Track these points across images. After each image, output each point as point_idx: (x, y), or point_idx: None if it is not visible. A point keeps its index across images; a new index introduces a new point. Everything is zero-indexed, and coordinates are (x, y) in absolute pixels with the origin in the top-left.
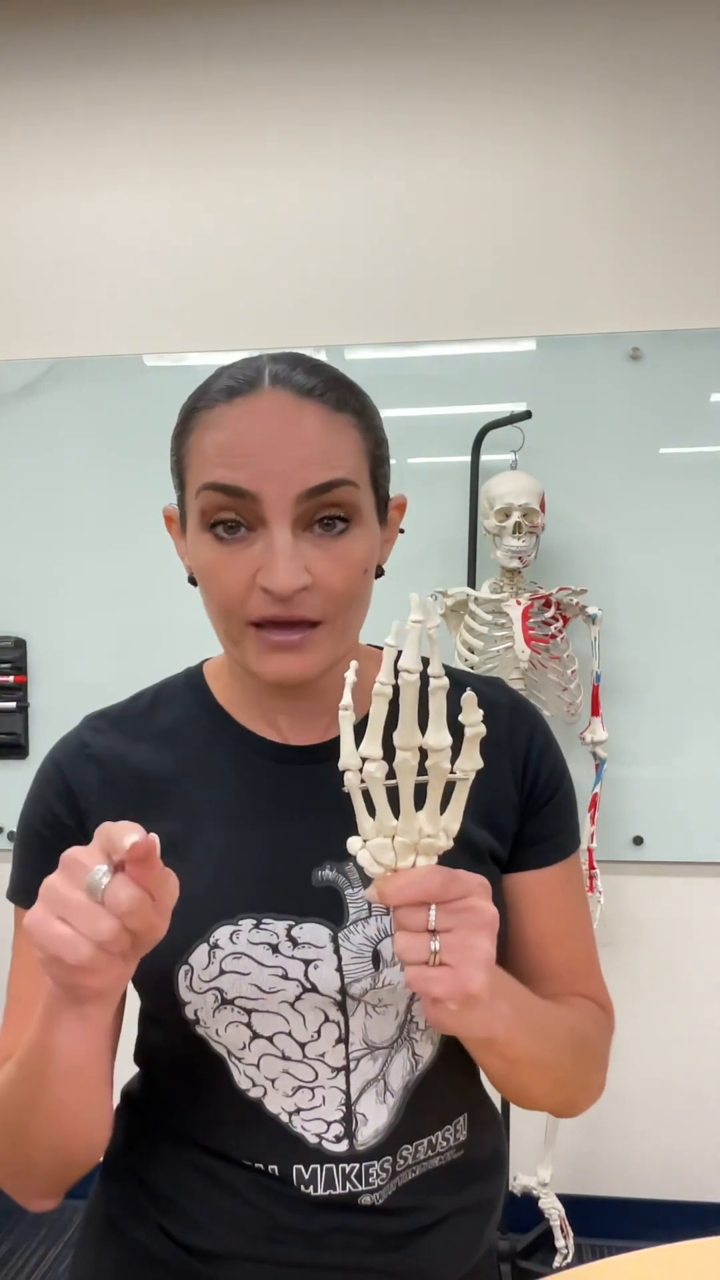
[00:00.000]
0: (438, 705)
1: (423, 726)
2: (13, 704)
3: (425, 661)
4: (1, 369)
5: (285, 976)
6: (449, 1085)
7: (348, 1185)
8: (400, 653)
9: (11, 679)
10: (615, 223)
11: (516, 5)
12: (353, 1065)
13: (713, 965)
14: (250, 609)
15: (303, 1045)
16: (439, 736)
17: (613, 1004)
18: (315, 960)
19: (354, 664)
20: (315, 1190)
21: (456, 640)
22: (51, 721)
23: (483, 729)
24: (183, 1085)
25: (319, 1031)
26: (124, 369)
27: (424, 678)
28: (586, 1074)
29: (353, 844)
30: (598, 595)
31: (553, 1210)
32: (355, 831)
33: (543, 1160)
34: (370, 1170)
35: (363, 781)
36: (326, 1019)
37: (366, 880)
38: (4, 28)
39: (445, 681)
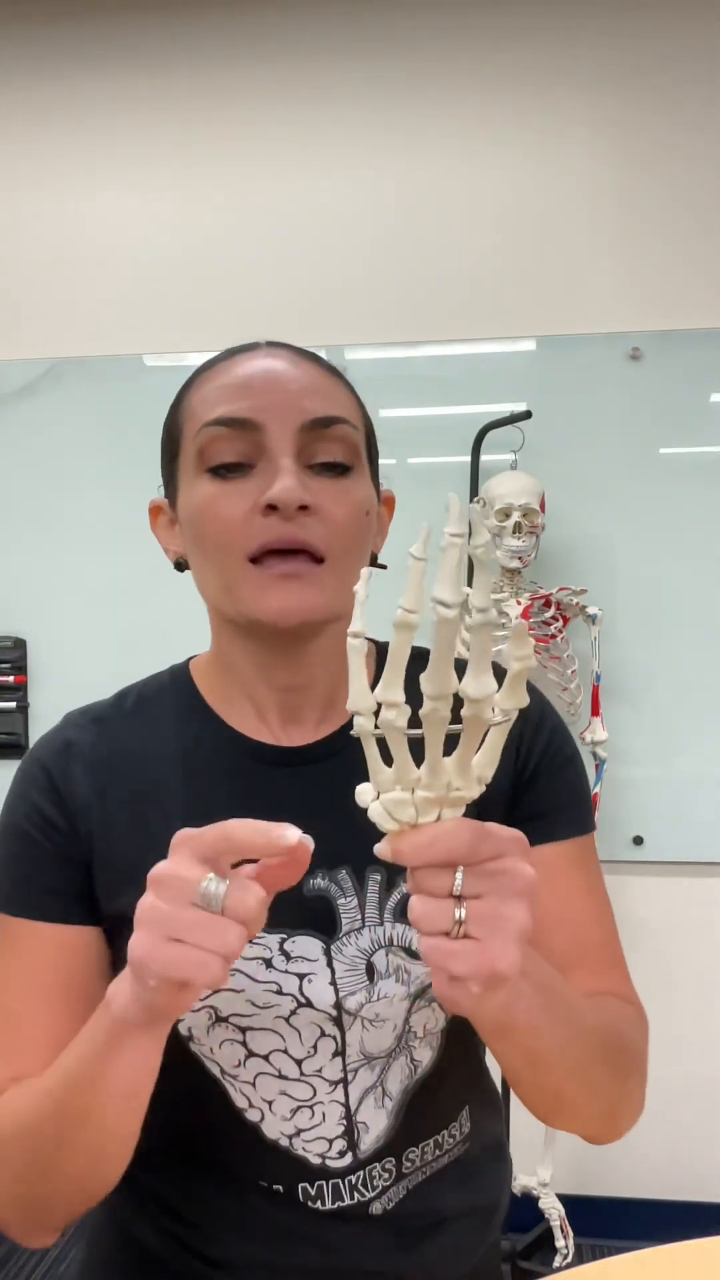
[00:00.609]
0: (481, 645)
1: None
2: (13, 704)
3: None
4: (1, 369)
5: (279, 992)
6: (449, 1084)
7: (355, 1195)
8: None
9: (11, 679)
10: (615, 223)
11: (516, 6)
12: (350, 1077)
13: (713, 965)
14: (251, 536)
15: (299, 1062)
16: (482, 683)
17: (643, 1005)
18: (309, 974)
19: (367, 571)
20: (324, 1205)
21: (459, 588)
22: (51, 721)
23: (533, 662)
24: (181, 1106)
25: (315, 1047)
26: (124, 369)
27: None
28: (624, 1080)
29: (363, 793)
30: (598, 595)
31: (553, 1210)
32: (348, 832)
33: (543, 1160)
34: (374, 1174)
35: (377, 728)
36: (322, 1034)
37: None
38: (4, 28)
39: (493, 615)
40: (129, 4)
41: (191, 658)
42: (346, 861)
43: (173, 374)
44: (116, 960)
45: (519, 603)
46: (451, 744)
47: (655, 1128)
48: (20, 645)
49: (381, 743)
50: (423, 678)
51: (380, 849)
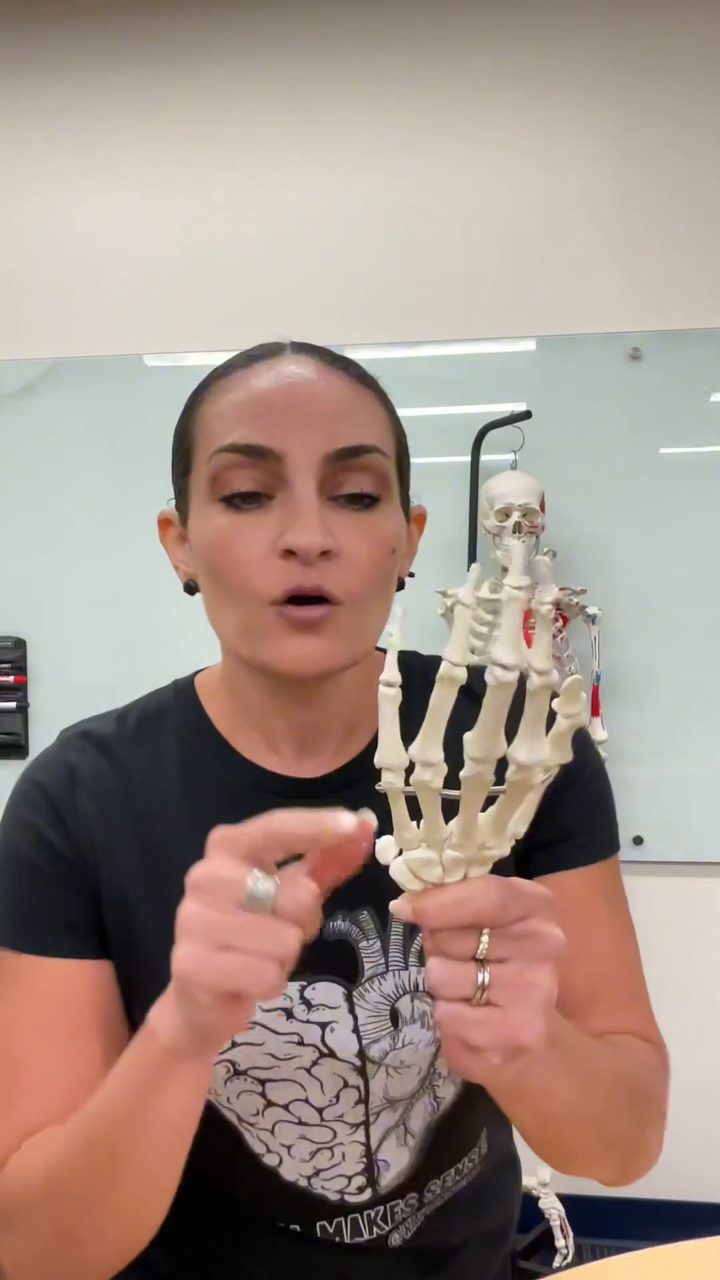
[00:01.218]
0: (537, 709)
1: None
2: (13, 704)
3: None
4: (1, 369)
5: (301, 1043)
6: (472, 1114)
7: (374, 1230)
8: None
9: (11, 679)
10: (615, 223)
11: (517, 6)
12: (372, 1119)
13: (713, 965)
14: (270, 582)
15: (320, 1110)
16: (534, 749)
17: (665, 1042)
18: (331, 1023)
19: (400, 610)
20: (344, 1239)
21: (520, 650)
22: (51, 721)
23: (583, 720)
24: (195, 1149)
25: (337, 1096)
26: (124, 369)
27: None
28: (642, 1129)
29: (385, 850)
30: (598, 595)
31: (553, 1210)
32: (369, 870)
33: (543, 1160)
34: (396, 1209)
35: (407, 784)
36: (345, 1084)
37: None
38: (4, 28)
39: (554, 678)
40: (129, 4)
41: (197, 672)
42: (369, 902)
43: (173, 374)
44: (131, 999)
45: None
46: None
47: None
48: (20, 645)
49: (409, 798)
50: (467, 738)
51: (399, 908)
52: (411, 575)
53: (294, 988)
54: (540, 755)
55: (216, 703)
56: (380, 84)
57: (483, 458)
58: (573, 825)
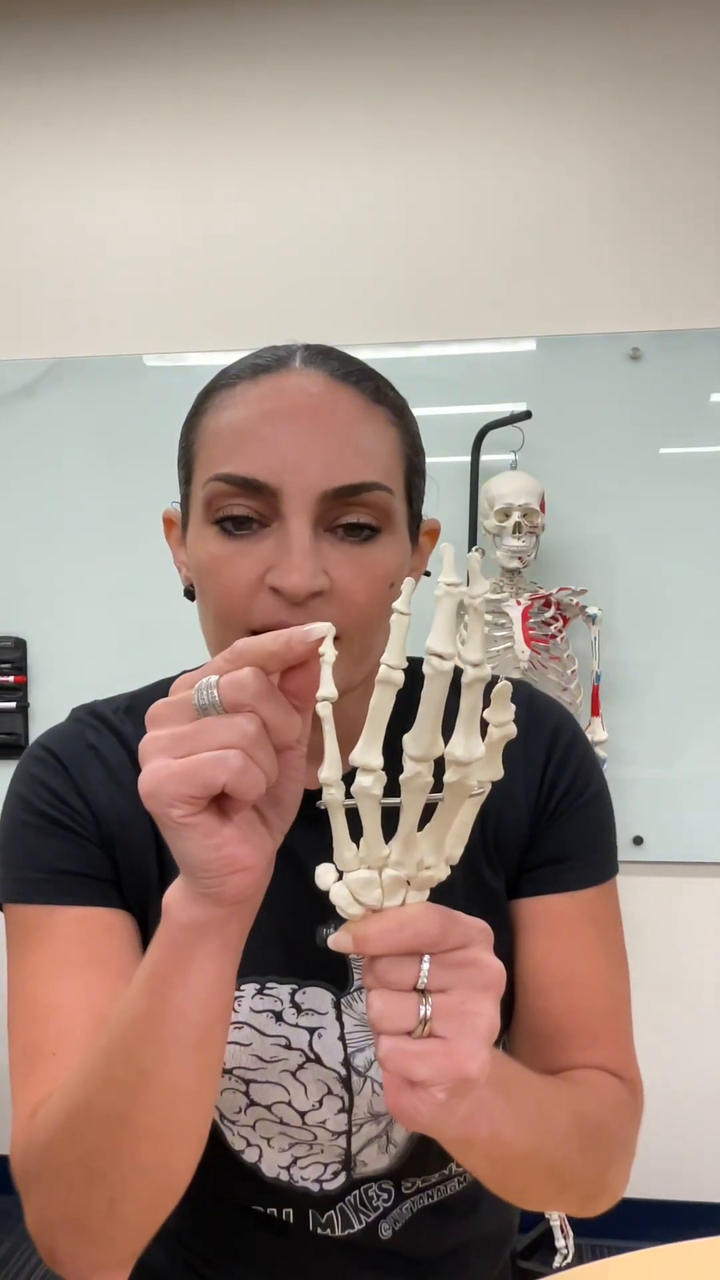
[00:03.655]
0: (471, 703)
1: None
2: (13, 704)
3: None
4: (1, 369)
5: (288, 1046)
6: None
7: (360, 1218)
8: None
9: (11, 679)
10: (615, 223)
11: (517, 6)
12: (355, 1130)
13: (713, 965)
14: (254, 614)
15: (302, 1114)
16: (470, 746)
17: (642, 1079)
18: (319, 1029)
19: (330, 628)
20: (334, 1232)
21: (455, 641)
22: (51, 722)
23: (513, 730)
24: None
25: (320, 1102)
26: (124, 369)
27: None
28: (602, 1171)
29: (324, 875)
30: (598, 595)
31: (553, 1210)
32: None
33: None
34: (370, 1193)
35: (349, 798)
36: (329, 1092)
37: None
38: (4, 28)
39: (486, 672)
40: (129, 4)
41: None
42: None
43: (173, 374)
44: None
45: (519, 603)
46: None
47: (655, 1128)
48: (20, 645)
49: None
50: (407, 738)
51: (339, 940)
52: (427, 574)
53: (285, 991)
54: (477, 752)
55: None
56: (380, 84)
57: (483, 458)
58: (567, 848)
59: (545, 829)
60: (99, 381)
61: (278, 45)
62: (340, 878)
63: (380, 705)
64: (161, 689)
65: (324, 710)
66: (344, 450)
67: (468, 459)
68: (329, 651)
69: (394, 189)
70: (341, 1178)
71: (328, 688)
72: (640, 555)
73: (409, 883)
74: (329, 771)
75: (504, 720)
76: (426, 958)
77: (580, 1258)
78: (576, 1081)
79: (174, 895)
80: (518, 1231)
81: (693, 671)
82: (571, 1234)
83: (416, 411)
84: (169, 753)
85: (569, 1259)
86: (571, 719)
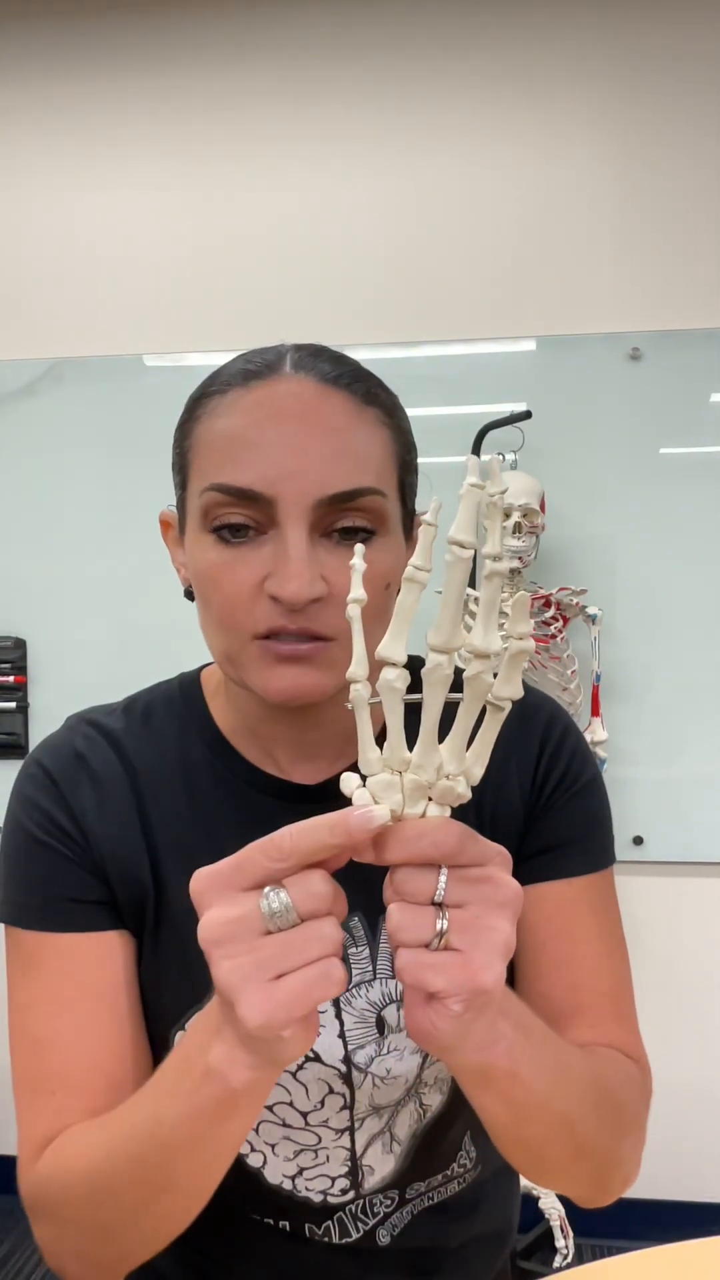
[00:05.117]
0: (490, 597)
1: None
2: (13, 704)
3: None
4: (1, 369)
5: None
6: (459, 1121)
7: (359, 1225)
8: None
9: (11, 679)
10: (615, 223)
11: (517, 6)
12: (357, 1125)
13: (713, 965)
14: (256, 620)
15: (305, 1114)
16: (489, 638)
17: (649, 1065)
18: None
19: (360, 548)
20: (332, 1239)
21: (475, 532)
22: (51, 721)
23: (531, 644)
24: None
25: (322, 1101)
26: (124, 369)
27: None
28: (616, 1140)
29: (347, 781)
30: (598, 595)
31: (553, 1210)
32: (361, 877)
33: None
34: (374, 1202)
35: (374, 696)
36: (331, 1090)
37: (370, 923)
38: (4, 28)
39: (505, 566)
40: (129, 4)
41: (205, 666)
42: (358, 909)
43: (173, 374)
44: (157, 974)
45: None
46: (444, 731)
47: (655, 1128)
48: (20, 645)
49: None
50: (430, 631)
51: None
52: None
53: None
54: (496, 644)
55: (218, 700)
56: (381, 84)
57: (483, 458)
58: (563, 834)
59: (540, 818)
60: (99, 381)
61: (278, 45)
62: (364, 783)
63: (406, 604)
64: (160, 692)
65: (353, 611)
66: (337, 456)
67: (468, 459)
68: (359, 562)
69: (394, 189)
70: (350, 1194)
71: (358, 590)
72: (640, 555)
73: (430, 798)
74: (357, 668)
75: (523, 632)
76: (444, 871)
77: (580, 1258)
78: (590, 1051)
79: (224, 1057)
80: (518, 1231)
81: (693, 671)
82: (571, 1234)
83: (416, 411)
84: (262, 978)
85: (569, 1259)
86: (563, 711)
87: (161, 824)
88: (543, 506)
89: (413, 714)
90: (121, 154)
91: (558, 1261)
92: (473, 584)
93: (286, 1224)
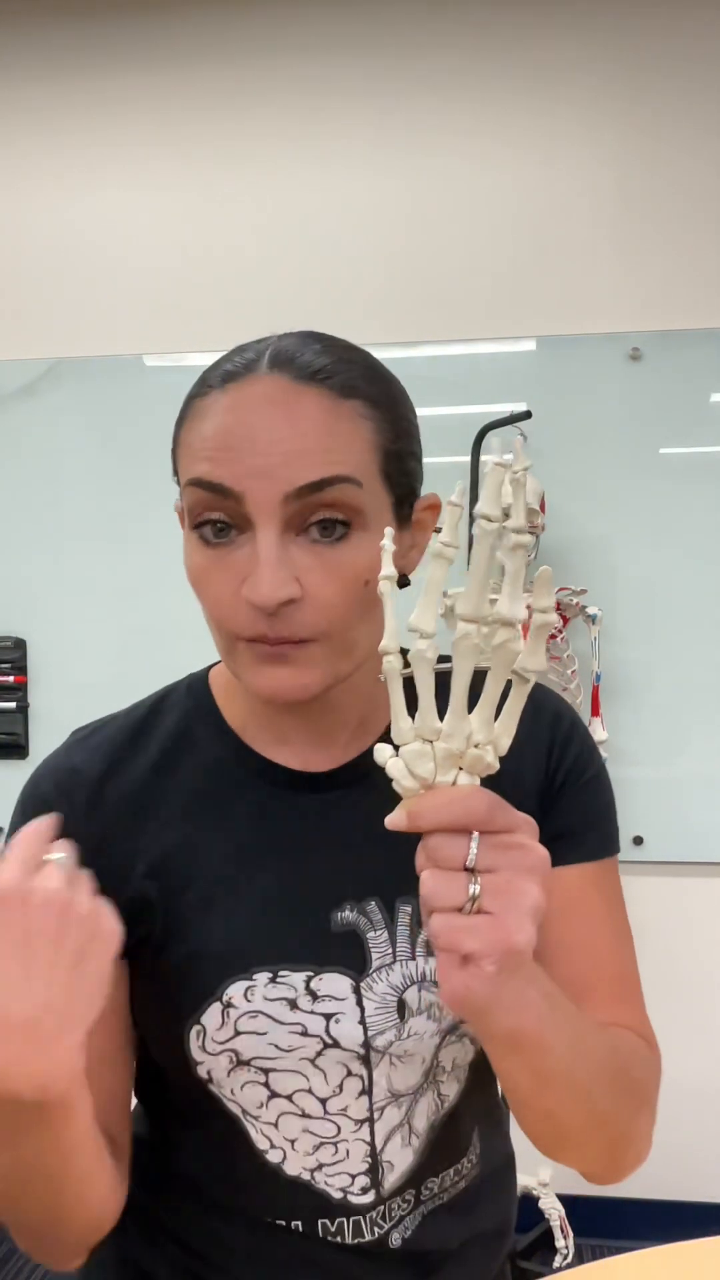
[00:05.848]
0: (515, 569)
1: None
2: (13, 704)
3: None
4: (1, 369)
5: (305, 1033)
6: (469, 1114)
7: (375, 1230)
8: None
9: (11, 679)
10: (615, 223)
11: (517, 5)
12: (376, 1115)
13: (713, 965)
14: (239, 624)
15: (324, 1101)
16: (514, 607)
17: (658, 1045)
18: (336, 1014)
19: (389, 531)
20: (345, 1240)
21: (499, 507)
22: (51, 721)
23: (555, 617)
24: (195, 1144)
25: (341, 1086)
26: (124, 369)
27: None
28: (632, 1114)
29: (381, 751)
30: (598, 595)
31: (553, 1210)
32: (378, 861)
33: (543, 1160)
34: (393, 1207)
35: (406, 667)
36: (349, 1073)
37: (394, 889)
38: (4, 28)
39: (528, 539)
40: (129, 4)
41: (212, 665)
42: (375, 893)
43: (173, 374)
44: (131, 997)
45: None
46: (473, 702)
47: (656, 1127)
48: (20, 645)
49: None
50: (458, 600)
51: (393, 819)
52: (406, 583)
53: (299, 978)
54: (522, 613)
55: (229, 697)
56: (380, 84)
57: (483, 458)
58: (574, 822)
59: (552, 806)
60: (99, 381)
61: (278, 45)
62: (396, 753)
63: (435, 578)
64: (167, 693)
65: (385, 588)
66: (305, 450)
67: (468, 459)
68: (389, 544)
69: (394, 189)
70: (370, 1195)
71: (388, 568)
72: (640, 555)
73: (460, 768)
74: (389, 641)
75: (546, 605)
76: (475, 837)
77: (580, 1258)
78: (606, 1027)
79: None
80: (517, 1231)
81: (693, 671)
82: (571, 1234)
83: (416, 411)
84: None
85: (569, 1259)
86: (569, 706)
87: (172, 822)
88: (543, 506)
89: (412, 694)
90: (121, 154)
91: (558, 1261)
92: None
93: (299, 1223)
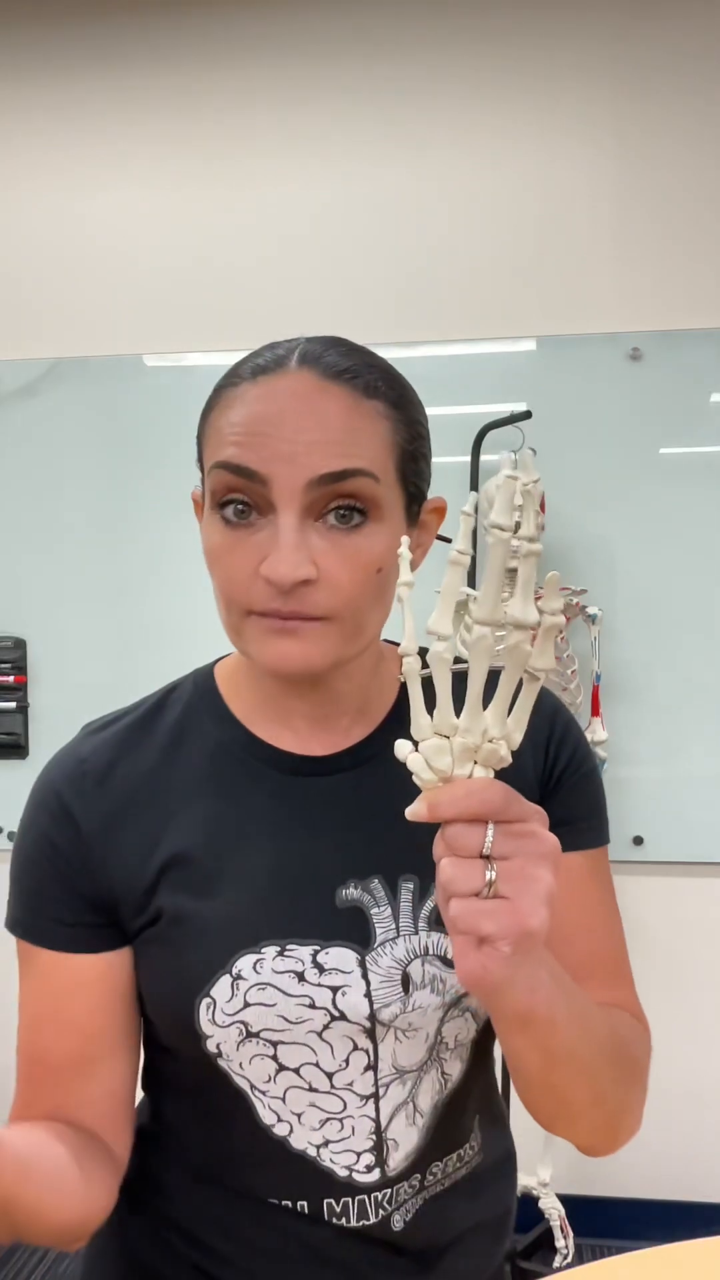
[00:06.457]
0: (526, 574)
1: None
2: (13, 704)
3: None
4: (1, 369)
5: (313, 1005)
6: (472, 1097)
7: (380, 1212)
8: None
9: (11, 679)
10: (615, 223)
11: (516, 5)
12: (382, 1091)
13: (713, 965)
14: (252, 599)
15: (330, 1075)
16: (526, 610)
17: (648, 1022)
18: (343, 987)
19: (405, 539)
20: (349, 1222)
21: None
22: (51, 721)
23: (563, 619)
24: (200, 1121)
25: (347, 1060)
26: (124, 369)
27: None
28: (628, 1089)
29: (401, 747)
30: (598, 595)
31: (553, 1210)
32: (380, 840)
33: (543, 1160)
34: (400, 1191)
35: (425, 668)
36: (355, 1047)
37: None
38: (4, 28)
39: (538, 547)
40: (130, 4)
41: (218, 660)
42: (378, 871)
43: (173, 374)
44: (141, 976)
45: None
46: (487, 699)
47: (655, 1128)
48: (20, 645)
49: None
50: (473, 604)
51: (414, 810)
52: (447, 540)
53: (306, 952)
54: (534, 616)
55: (233, 688)
56: (380, 84)
57: (483, 458)
58: (575, 811)
59: (551, 796)
60: (99, 381)
61: (278, 45)
62: (416, 748)
63: (452, 585)
64: (172, 687)
65: (404, 593)
66: (328, 442)
67: (468, 459)
68: (405, 552)
69: (394, 189)
70: (375, 1174)
71: (406, 574)
72: (640, 555)
73: (476, 761)
74: (408, 643)
75: (554, 608)
76: (491, 826)
77: (580, 1258)
78: (605, 1007)
79: None
80: (517, 1231)
81: (693, 671)
82: (571, 1234)
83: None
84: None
85: (569, 1259)
86: (563, 703)
87: (180, 805)
88: (543, 507)
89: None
90: (121, 154)
91: (558, 1261)
92: (472, 584)
93: (305, 1204)
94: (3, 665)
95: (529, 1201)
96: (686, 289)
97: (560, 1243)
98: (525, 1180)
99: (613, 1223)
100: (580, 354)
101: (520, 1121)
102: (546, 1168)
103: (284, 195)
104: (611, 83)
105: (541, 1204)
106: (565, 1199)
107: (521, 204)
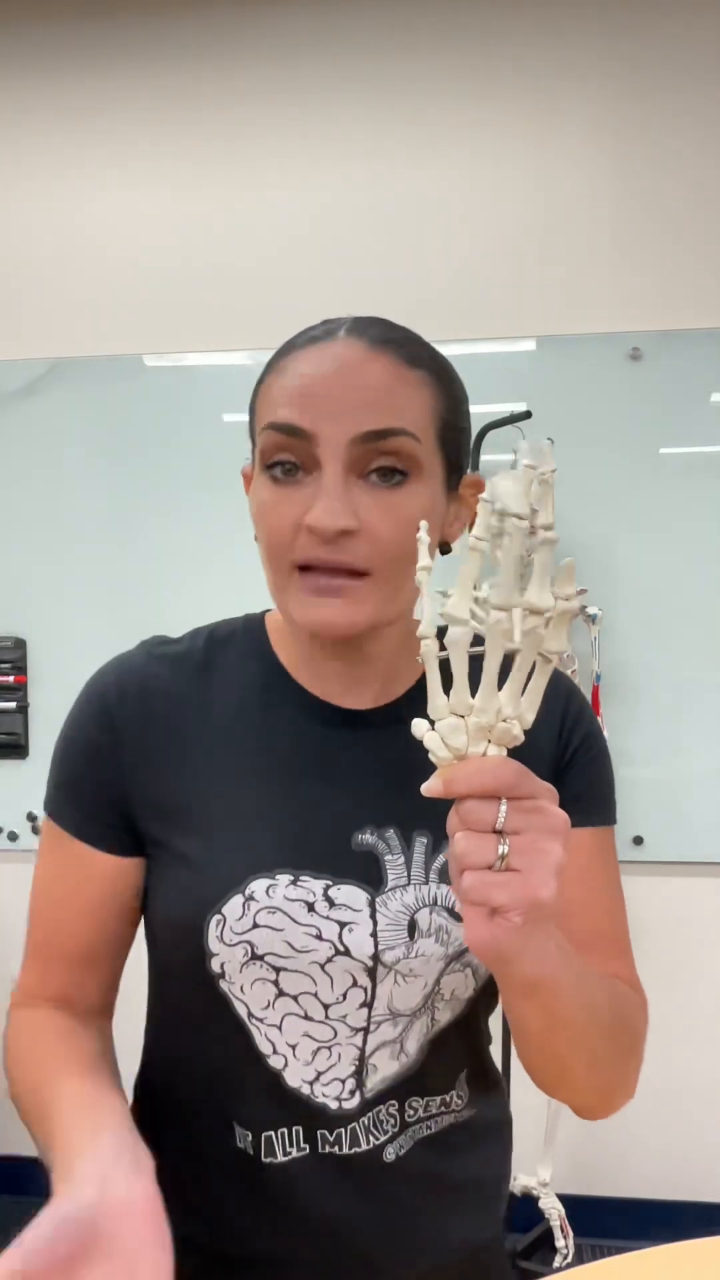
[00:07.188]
0: (543, 561)
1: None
2: (13, 704)
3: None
4: (1, 369)
5: (319, 937)
6: (456, 1044)
7: (370, 1139)
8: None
9: (11, 679)
10: (615, 222)
11: (516, 5)
12: (373, 1028)
13: (713, 965)
14: (296, 551)
15: (327, 1006)
16: (542, 597)
17: (645, 994)
18: (351, 923)
19: (424, 524)
20: (341, 1149)
21: (528, 504)
22: (51, 721)
23: (576, 604)
24: (199, 1053)
25: (345, 995)
26: (124, 369)
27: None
28: (625, 1057)
29: (418, 726)
30: (598, 595)
31: (553, 1210)
32: (399, 795)
33: (543, 1160)
34: (380, 1116)
35: (442, 649)
36: (354, 983)
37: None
38: (4, 28)
39: (555, 535)
40: (129, 4)
41: (269, 610)
42: (395, 823)
43: (173, 374)
44: (149, 888)
45: None
46: (501, 680)
47: (655, 1127)
48: (20, 645)
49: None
50: (490, 590)
51: (430, 786)
52: (448, 550)
53: (319, 885)
54: (550, 601)
55: (280, 635)
56: (380, 84)
57: (483, 458)
58: (584, 791)
59: (564, 774)
60: (99, 381)
61: (278, 45)
62: (432, 727)
63: (469, 570)
64: (228, 624)
65: (422, 578)
66: (373, 402)
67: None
68: (424, 536)
69: (394, 189)
70: (356, 1098)
71: (424, 560)
72: (640, 555)
73: (490, 740)
74: (426, 627)
75: (569, 593)
76: (504, 802)
77: (580, 1258)
78: (606, 977)
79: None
80: (518, 1231)
81: (693, 671)
82: (571, 1234)
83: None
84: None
85: (569, 1259)
86: (578, 686)
87: (216, 734)
88: None
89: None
90: (121, 154)
91: (558, 1261)
92: None
93: (300, 1130)
94: (3, 665)
95: (529, 1201)
96: (686, 289)
97: (560, 1243)
98: (525, 1180)
99: (613, 1223)
100: (580, 354)
101: (521, 1123)
102: (546, 1168)
103: (284, 195)
104: (612, 83)
105: (541, 1204)
106: (565, 1199)
107: (521, 204)
